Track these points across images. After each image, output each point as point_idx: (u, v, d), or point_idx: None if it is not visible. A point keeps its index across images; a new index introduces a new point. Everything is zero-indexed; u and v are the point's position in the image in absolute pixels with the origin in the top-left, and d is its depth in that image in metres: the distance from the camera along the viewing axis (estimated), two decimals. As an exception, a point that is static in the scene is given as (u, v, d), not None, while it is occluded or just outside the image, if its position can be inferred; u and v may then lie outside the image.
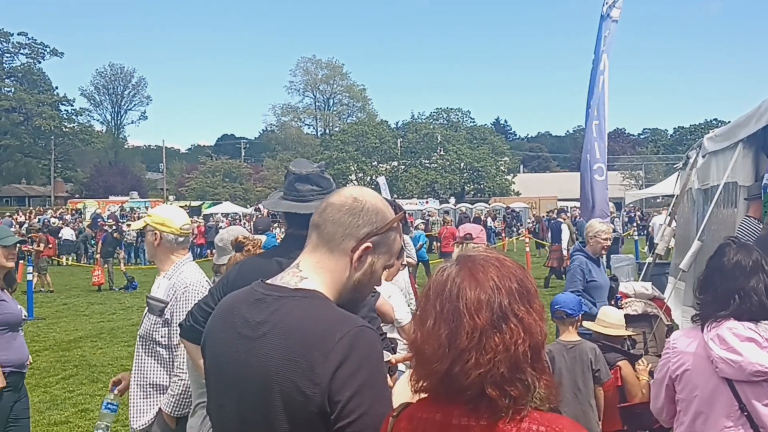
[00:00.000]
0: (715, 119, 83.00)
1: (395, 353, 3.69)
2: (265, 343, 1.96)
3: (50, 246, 24.78)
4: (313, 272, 2.10)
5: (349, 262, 2.10)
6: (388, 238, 2.15)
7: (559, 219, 23.57)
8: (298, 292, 2.04)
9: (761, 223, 5.79)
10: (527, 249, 27.64)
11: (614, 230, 9.24)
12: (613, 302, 7.45)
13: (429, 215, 43.13)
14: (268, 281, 2.13)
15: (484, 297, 1.69)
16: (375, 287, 2.33)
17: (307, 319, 1.96)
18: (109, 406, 4.61)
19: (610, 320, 6.08)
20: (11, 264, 5.52)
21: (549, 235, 22.84)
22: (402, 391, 2.06)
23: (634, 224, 39.38)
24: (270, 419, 1.93)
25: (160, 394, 4.42)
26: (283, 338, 1.94)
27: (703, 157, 9.12)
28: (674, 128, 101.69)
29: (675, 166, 15.30)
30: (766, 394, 3.18)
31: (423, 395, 1.82)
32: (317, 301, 2.03)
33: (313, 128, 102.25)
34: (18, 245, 5.71)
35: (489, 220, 42.66)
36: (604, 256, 8.12)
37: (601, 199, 10.86)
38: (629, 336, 6.42)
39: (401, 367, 3.37)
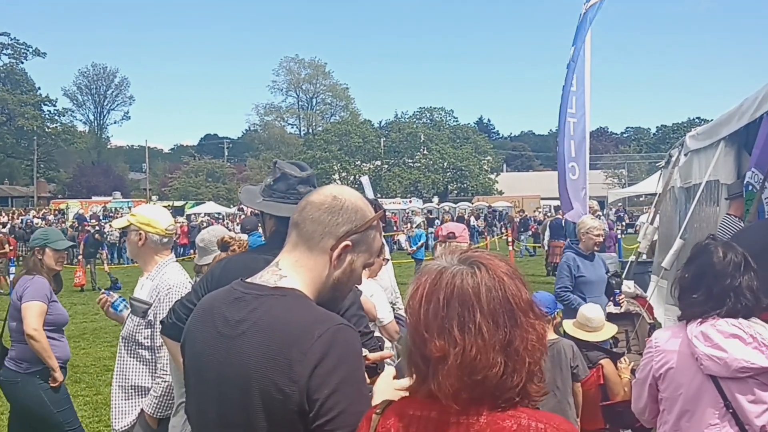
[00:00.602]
0: (698, 117, 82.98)
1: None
2: (244, 342, 1.96)
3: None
4: (292, 270, 2.09)
5: (329, 261, 2.10)
6: (367, 236, 2.15)
7: (558, 216, 23.66)
8: (277, 291, 2.04)
9: (742, 221, 5.79)
10: (510, 248, 27.75)
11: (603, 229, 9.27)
12: (611, 298, 7.54)
13: (413, 214, 43.16)
14: (248, 280, 2.12)
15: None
16: (356, 285, 2.32)
17: (285, 318, 1.95)
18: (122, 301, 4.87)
19: (592, 324, 6.08)
20: (60, 267, 5.92)
21: (546, 234, 22.98)
22: (384, 389, 2.05)
23: (623, 223, 39.54)
24: (249, 417, 1.93)
25: (142, 395, 4.39)
26: (262, 336, 1.94)
27: (686, 155, 9.16)
28: (657, 127, 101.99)
29: (658, 164, 15.37)
30: (751, 391, 3.18)
31: (405, 393, 1.80)
32: (296, 299, 2.02)
33: (297, 128, 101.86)
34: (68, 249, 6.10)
35: (472, 219, 42.73)
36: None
37: (576, 198, 10.90)
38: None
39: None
